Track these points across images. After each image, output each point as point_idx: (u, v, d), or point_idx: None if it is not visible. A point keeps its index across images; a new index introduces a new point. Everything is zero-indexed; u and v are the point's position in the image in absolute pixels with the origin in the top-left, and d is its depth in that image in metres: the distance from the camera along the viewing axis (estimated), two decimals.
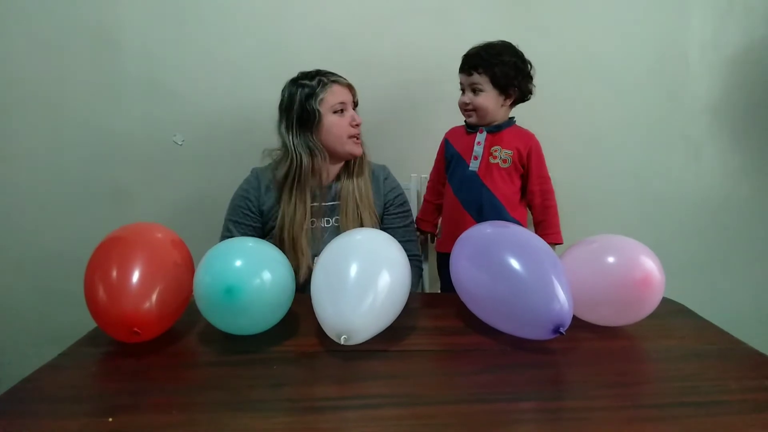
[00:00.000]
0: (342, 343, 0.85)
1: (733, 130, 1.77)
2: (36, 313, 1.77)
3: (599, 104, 1.74)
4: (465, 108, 1.36)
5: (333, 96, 1.32)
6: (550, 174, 1.43)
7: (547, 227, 1.40)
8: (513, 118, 1.39)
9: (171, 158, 1.70)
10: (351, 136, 1.34)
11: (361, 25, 1.66)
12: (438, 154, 1.48)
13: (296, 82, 1.35)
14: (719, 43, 1.72)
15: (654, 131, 1.76)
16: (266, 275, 0.92)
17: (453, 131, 1.45)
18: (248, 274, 0.91)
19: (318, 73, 1.34)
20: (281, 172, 1.34)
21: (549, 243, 1.33)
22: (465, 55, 1.34)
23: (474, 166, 1.36)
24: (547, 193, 1.41)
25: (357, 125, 1.35)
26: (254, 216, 1.37)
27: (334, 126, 1.32)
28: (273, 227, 1.35)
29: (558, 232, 1.41)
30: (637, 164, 1.77)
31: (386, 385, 0.82)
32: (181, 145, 1.70)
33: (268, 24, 1.65)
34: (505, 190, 1.37)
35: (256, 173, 1.41)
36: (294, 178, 1.32)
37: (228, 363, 0.88)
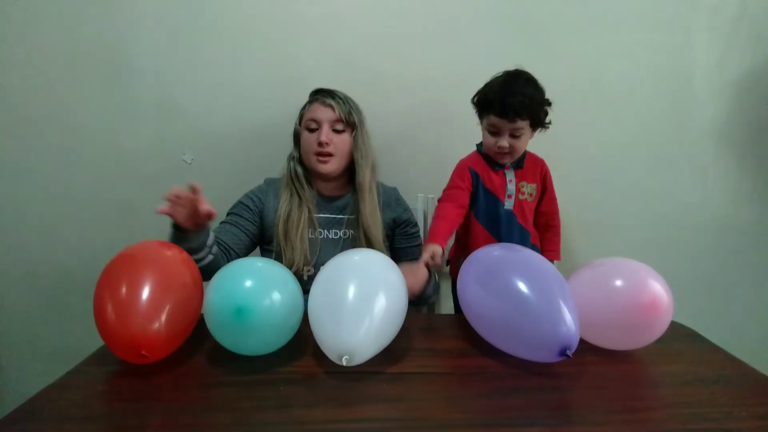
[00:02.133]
0: (344, 364, 0.85)
1: (739, 153, 1.77)
2: (44, 329, 1.77)
3: (605, 127, 1.74)
4: (502, 151, 1.30)
5: (309, 113, 1.38)
6: (557, 196, 1.45)
7: (547, 244, 1.46)
8: None
9: (180, 176, 1.71)
10: (316, 154, 1.36)
11: (368, 48, 1.68)
12: (462, 179, 1.36)
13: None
14: (724, 66, 1.73)
15: (660, 154, 1.76)
16: (276, 296, 0.92)
17: (475, 164, 1.37)
18: (258, 295, 0.91)
19: (317, 92, 1.42)
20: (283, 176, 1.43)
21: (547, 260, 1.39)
22: (503, 100, 1.24)
23: (509, 204, 1.35)
24: (554, 213, 1.46)
25: (320, 144, 1.34)
26: (252, 214, 1.39)
27: (304, 141, 1.38)
28: (269, 230, 1.39)
29: (557, 250, 1.46)
30: (643, 187, 1.78)
31: (393, 407, 0.82)
32: (190, 163, 1.71)
33: (278, 47, 1.67)
34: (532, 222, 1.41)
35: (268, 181, 1.46)
36: (288, 180, 1.40)
37: (235, 383, 0.88)
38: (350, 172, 1.42)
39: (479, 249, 1.09)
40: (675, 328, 1.03)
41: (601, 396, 0.86)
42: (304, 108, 1.41)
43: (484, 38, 1.68)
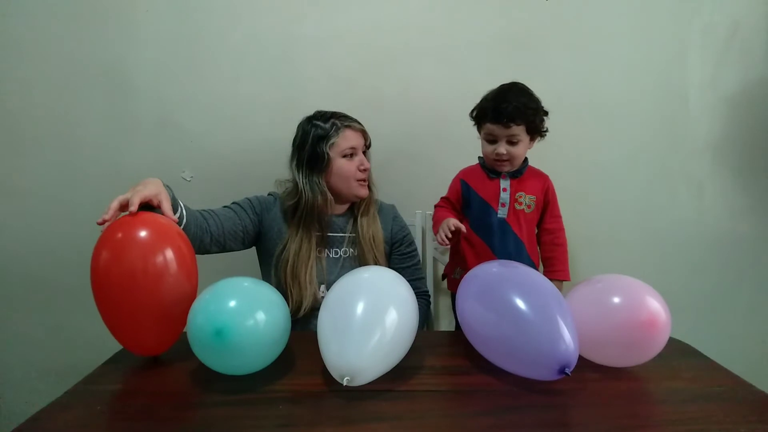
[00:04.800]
0: (345, 384, 0.85)
1: (734, 168, 1.79)
2: (44, 348, 1.77)
3: (601, 144, 1.76)
4: (500, 159, 1.32)
5: (345, 141, 1.35)
6: None
7: (556, 264, 1.42)
8: (526, 158, 1.39)
9: (179, 194, 1.71)
10: (358, 180, 1.37)
11: (368, 67, 1.70)
12: (452, 192, 1.44)
13: (311, 121, 1.38)
14: (717, 83, 1.75)
15: (656, 170, 1.78)
16: (259, 316, 0.92)
17: (469, 174, 1.42)
18: (239, 316, 0.91)
19: (333, 116, 1.37)
20: (289, 205, 1.38)
21: (556, 279, 1.38)
22: (497, 107, 1.28)
23: (503, 213, 1.36)
24: (559, 231, 1.44)
25: (365, 170, 1.37)
26: (254, 215, 1.38)
27: (342, 169, 1.35)
28: (268, 249, 1.38)
29: (566, 270, 1.42)
30: (639, 203, 1.79)
31: (392, 426, 0.82)
32: (189, 181, 1.72)
33: (277, 65, 1.69)
34: (530, 235, 1.40)
35: (275, 196, 1.44)
36: (301, 214, 1.35)
37: (234, 403, 0.88)
38: None
39: (478, 266, 1.09)
40: (673, 344, 1.03)
41: (601, 413, 0.86)
42: (334, 135, 1.34)
43: (482, 56, 1.70)
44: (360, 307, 0.90)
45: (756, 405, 0.88)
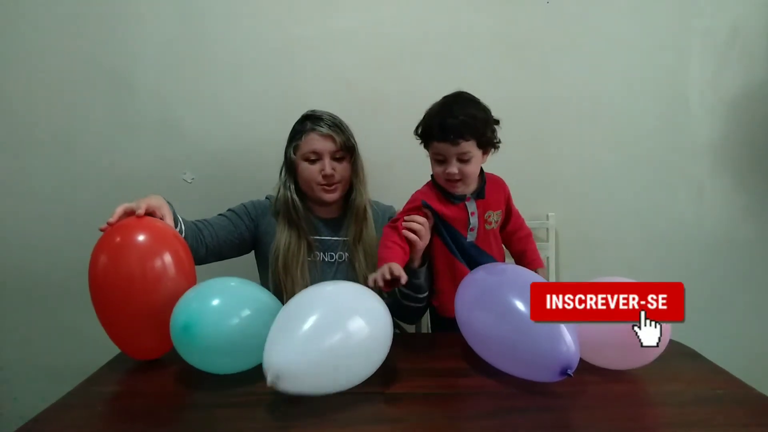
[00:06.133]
0: (269, 384, 0.78)
1: (735, 170, 1.79)
2: (44, 350, 1.77)
3: (602, 145, 1.76)
4: (452, 179, 1.18)
5: (307, 145, 1.34)
6: (555, 214, 1.43)
7: (530, 254, 1.34)
8: (482, 169, 1.27)
9: (181, 196, 1.70)
10: (320, 185, 1.35)
11: (367, 68, 1.70)
12: (410, 212, 1.23)
13: (297, 120, 1.40)
14: (718, 86, 1.75)
15: (657, 172, 1.78)
16: (237, 313, 0.92)
17: (429, 196, 1.25)
18: (210, 312, 0.91)
19: (308, 118, 1.37)
20: (275, 202, 1.41)
21: (534, 269, 1.29)
22: (442, 122, 1.15)
23: (471, 237, 1.25)
24: (522, 223, 1.37)
25: (325, 176, 1.33)
26: (247, 221, 1.39)
27: (303, 173, 1.35)
28: (264, 252, 1.38)
29: (539, 257, 1.35)
30: (639, 204, 1.79)
31: (392, 428, 0.82)
32: (190, 182, 1.72)
33: (278, 66, 1.70)
34: (500, 249, 1.33)
35: (271, 200, 1.44)
36: (283, 212, 1.37)
37: (234, 404, 0.88)
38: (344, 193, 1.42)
39: (475, 270, 1.09)
40: (674, 346, 1.03)
41: (601, 416, 0.86)
42: (298, 138, 1.36)
43: (482, 57, 1.70)
44: (311, 312, 0.86)
45: (756, 408, 0.87)
